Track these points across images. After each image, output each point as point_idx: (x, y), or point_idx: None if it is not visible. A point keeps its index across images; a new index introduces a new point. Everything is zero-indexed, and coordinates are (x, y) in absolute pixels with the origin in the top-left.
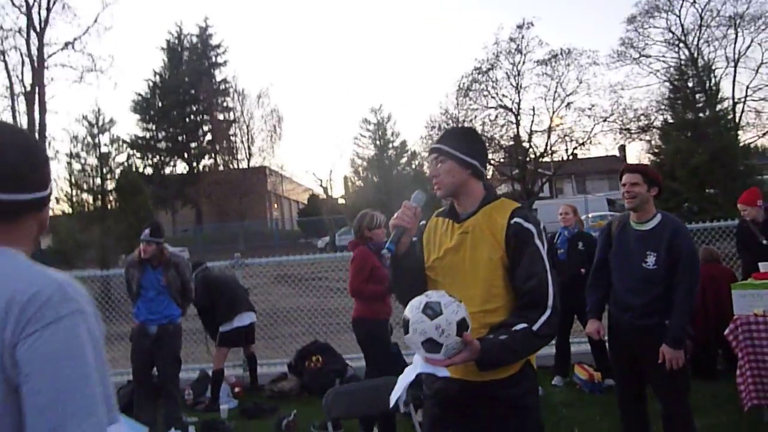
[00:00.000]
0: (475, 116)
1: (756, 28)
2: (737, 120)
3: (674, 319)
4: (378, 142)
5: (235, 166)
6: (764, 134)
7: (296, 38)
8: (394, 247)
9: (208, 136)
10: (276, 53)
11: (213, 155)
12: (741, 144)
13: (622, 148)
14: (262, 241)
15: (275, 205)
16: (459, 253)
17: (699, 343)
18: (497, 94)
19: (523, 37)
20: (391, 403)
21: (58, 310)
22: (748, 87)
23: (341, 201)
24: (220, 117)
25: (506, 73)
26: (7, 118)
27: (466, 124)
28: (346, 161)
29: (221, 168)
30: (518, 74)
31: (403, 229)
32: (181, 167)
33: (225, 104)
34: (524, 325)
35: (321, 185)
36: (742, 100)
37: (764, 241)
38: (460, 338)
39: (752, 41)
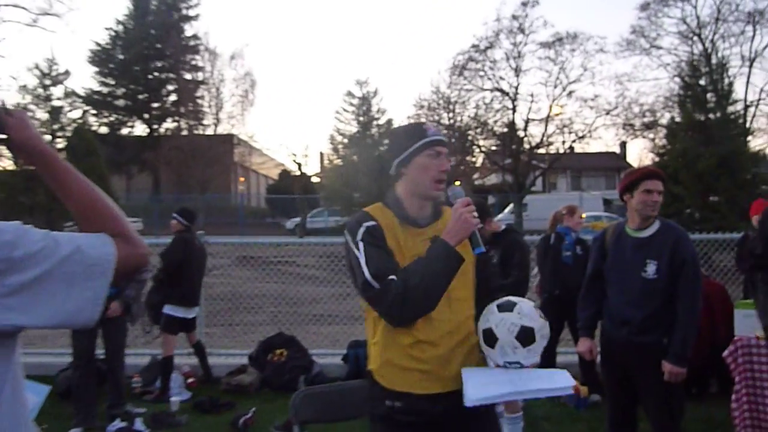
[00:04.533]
0: (469, 98)
1: None
2: (748, 125)
3: (679, 333)
4: (361, 119)
5: (200, 132)
6: None
7: None
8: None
9: (173, 97)
10: (255, 10)
11: (176, 118)
12: (750, 151)
13: (624, 145)
14: (224, 217)
15: (241, 179)
16: None
17: (691, 364)
18: (494, 75)
19: (527, 16)
20: (469, 401)
21: None
22: (762, 90)
23: (316, 179)
24: (188, 77)
25: (506, 54)
26: None
27: (458, 106)
28: (324, 136)
29: (184, 133)
30: (518, 56)
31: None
32: (140, 129)
33: (194, 63)
34: None
35: (294, 160)
36: (755, 103)
37: None
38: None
39: None
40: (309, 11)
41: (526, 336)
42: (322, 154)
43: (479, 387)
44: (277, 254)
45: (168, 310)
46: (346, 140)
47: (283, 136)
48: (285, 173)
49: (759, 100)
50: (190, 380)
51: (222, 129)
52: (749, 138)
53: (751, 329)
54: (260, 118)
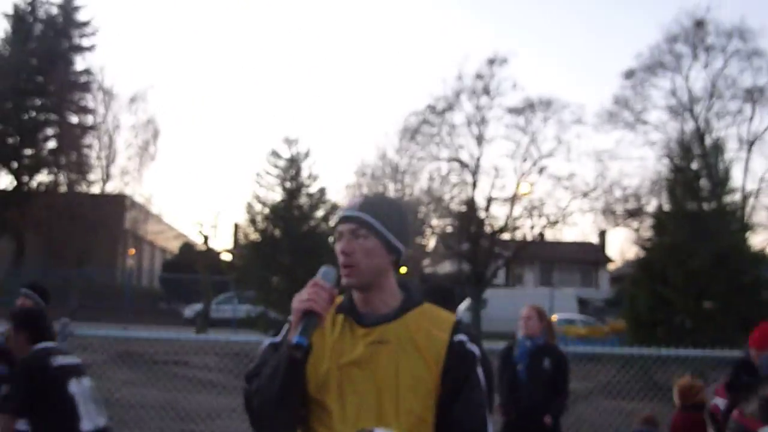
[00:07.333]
0: (421, 168)
1: None
2: (746, 218)
3: None
4: (288, 185)
5: (83, 190)
6: None
7: (195, 30)
8: (306, 341)
9: (52, 143)
10: (164, 45)
11: (54, 170)
12: (750, 249)
13: (603, 235)
14: (106, 298)
15: (131, 251)
16: (368, 368)
17: None
18: (452, 143)
19: (493, 75)
20: None
21: None
22: (762, 179)
23: (226, 257)
24: (74, 119)
25: (467, 119)
26: None
27: (408, 176)
28: (239, 205)
29: (63, 189)
30: (482, 121)
31: (316, 317)
32: (6, 180)
33: (82, 103)
34: None
35: (200, 231)
36: (754, 193)
37: None
38: None
39: None
40: (230, 50)
41: None
42: (236, 226)
43: None
44: (168, 350)
45: None
46: (267, 210)
47: (189, 200)
48: (187, 247)
49: (759, 190)
50: None
51: (112, 187)
52: (748, 233)
53: None
54: (161, 177)
